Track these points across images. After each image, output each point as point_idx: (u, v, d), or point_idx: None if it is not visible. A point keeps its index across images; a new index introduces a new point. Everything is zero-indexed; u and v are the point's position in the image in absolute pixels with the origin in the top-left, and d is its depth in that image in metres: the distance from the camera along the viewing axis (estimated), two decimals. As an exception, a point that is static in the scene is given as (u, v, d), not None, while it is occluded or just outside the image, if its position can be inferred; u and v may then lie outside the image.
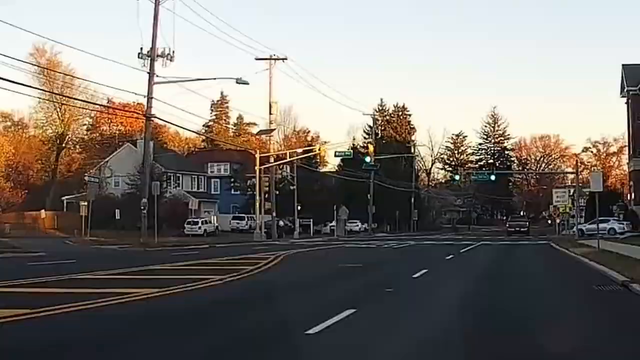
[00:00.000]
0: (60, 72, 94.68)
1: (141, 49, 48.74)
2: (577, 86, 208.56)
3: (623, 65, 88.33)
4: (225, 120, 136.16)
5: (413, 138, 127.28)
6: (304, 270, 28.93)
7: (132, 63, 48.93)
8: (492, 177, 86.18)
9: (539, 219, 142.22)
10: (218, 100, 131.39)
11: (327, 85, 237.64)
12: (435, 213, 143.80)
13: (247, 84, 51.53)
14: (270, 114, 69.44)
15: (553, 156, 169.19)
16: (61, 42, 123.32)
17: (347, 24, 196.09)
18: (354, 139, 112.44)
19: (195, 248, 49.19)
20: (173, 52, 48.96)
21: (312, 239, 72.19)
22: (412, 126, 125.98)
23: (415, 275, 22.71)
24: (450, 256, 35.90)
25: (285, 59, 68.94)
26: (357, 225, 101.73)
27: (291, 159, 72.90)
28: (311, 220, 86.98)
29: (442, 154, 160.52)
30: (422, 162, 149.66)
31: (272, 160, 72.38)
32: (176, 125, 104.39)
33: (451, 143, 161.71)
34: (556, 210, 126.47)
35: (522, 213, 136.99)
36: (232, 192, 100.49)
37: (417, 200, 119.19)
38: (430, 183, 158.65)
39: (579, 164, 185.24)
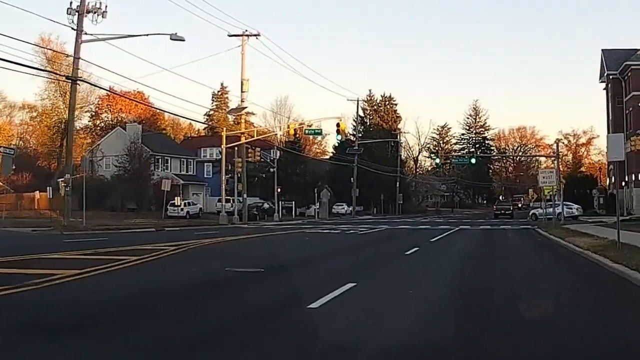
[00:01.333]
0: (65, 54, 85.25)
1: (71, 3, 36.29)
2: (552, 81, 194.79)
3: (603, 50, 75.49)
4: (224, 109, 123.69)
5: (400, 126, 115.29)
6: (139, 283, 14.15)
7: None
8: (473, 160, 73.39)
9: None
10: (219, 91, 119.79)
11: (322, 76, 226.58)
12: (421, 197, 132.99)
13: (183, 40, 38.94)
14: (242, 91, 56.87)
15: (529, 146, 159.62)
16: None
17: (355, 26, 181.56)
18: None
19: (128, 232, 37.30)
20: (106, 7, 36.33)
21: (287, 222, 60.00)
22: (398, 115, 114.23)
23: (327, 298, 10.67)
24: (414, 249, 23.08)
25: (258, 35, 56.47)
26: (344, 208, 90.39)
27: (260, 136, 59.43)
28: (293, 202, 74.56)
29: (428, 144, 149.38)
30: (410, 151, 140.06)
31: (243, 139, 59.85)
32: (170, 113, 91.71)
33: (437, 134, 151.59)
34: (531, 194, 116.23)
35: (508, 199, 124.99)
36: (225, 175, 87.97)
37: (403, 184, 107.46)
38: (417, 170, 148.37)
39: (551, 153, 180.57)
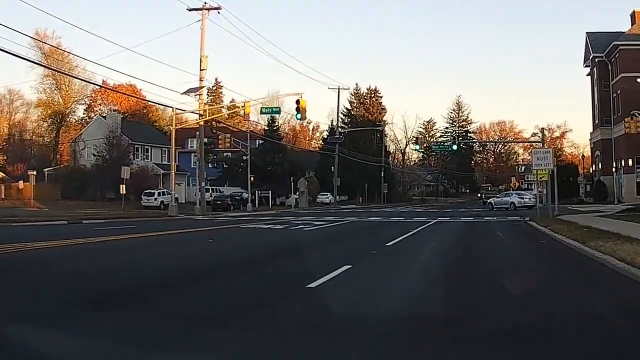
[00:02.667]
0: (61, 49, 75.23)
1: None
2: (528, 80, 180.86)
3: (587, 33, 62.61)
4: (218, 103, 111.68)
5: (385, 118, 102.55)
6: None
7: None
8: (454, 147, 60.73)
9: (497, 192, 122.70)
10: (213, 86, 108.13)
11: (314, 69, 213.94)
12: (406, 186, 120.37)
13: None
14: (200, 69, 44.43)
15: (508, 139, 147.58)
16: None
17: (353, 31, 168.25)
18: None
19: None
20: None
21: (258, 213, 48.34)
22: (383, 107, 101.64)
23: None
24: (337, 272, 10.81)
25: (219, 8, 44.05)
26: (328, 198, 78.15)
27: (214, 116, 46.34)
28: (270, 192, 62.11)
29: (415, 137, 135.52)
30: (398, 143, 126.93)
31: (202, 123, 47.59)
32: (159, 104, 79.33)
33: (423, 128, 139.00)
34: (513, 183, 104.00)
35: (494, 188, 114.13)
36: (210, 165, 75.41)
37: (388, 174, 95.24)
38: (404, 162, 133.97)
39: (528, 146, 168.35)
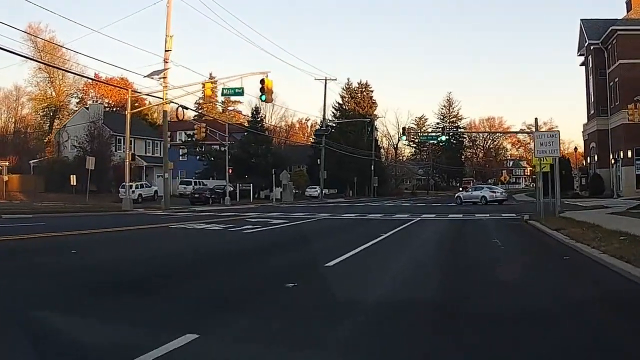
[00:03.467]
0: (53, 43, 68.76)
1: None
2: (520, 73, 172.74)
3: (582, 20, 54.90)
4: (213, 98, 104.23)
5: (376, 113, 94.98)
6: None
7: None
8: (443, 138, 52.59)
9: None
10: (208, 80, 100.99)
11: (306, 63, 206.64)
12: (398, 180, 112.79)
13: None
14: (165, 50, 37.18)
15: (497, 134, 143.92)
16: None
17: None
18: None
19: None
20: None
21: (232, 208, 41.26)
22: (373, 101, 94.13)
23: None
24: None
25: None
26: (316, 191, 70.94)
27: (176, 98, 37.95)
28: (251, 185, 54.73)
29: (403, 127, 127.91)
30: (391, 139, 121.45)
31: (166, 109, 40.44)
32: (149, 95, 72.02)
33: (415, 124, 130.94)
34: (503, 177, 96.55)
35: (489, 181, 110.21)
36: (197, 159, 67.97)
37: (379, 168, 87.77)
38: (397, 157, 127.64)
39: (516, 141, 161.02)
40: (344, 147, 76.90)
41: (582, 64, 59.03)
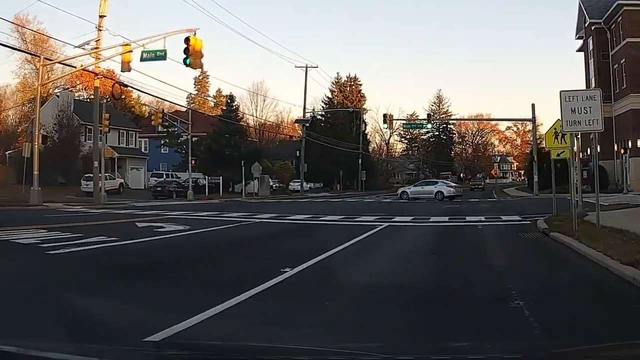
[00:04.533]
0: (40, 33, 60.21)
1: None
2: (507, 70, 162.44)
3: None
4: (204, 93, 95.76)
5: (365, 106, 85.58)
6: None
7: None
8: (429, 126, 43.38)
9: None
10: (199, 76, 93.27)
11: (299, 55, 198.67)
12: (388, 175, 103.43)
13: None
14: (99, 16, 28.22)
15: (485, 131, 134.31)
16: None
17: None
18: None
19: None
20: None
21: (183, 204, 32.33)
22: (362, 94, 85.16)
23: None
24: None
25: None
26: (299, 185, 62.21)
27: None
28: (220, 178, 45.57)
29: (398, 128, 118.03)
30: (383, 135, 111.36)
31: (97, 84, 31.57)
32: (134, 88, 63.06)
33: (407, 121, 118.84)
34: (494, 171, 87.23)
35: (479, 176, 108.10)
36: (175, 151, 58.86)
37: (367, 161, 78.39)
38: (389, 152, 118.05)
39: (503, 138, 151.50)
40: (331, 140, 68.14)
41: (579, 50, 49.81)
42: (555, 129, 16.79)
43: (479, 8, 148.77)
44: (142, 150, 63.02)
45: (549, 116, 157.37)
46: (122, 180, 48.11)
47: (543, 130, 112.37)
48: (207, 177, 45.96)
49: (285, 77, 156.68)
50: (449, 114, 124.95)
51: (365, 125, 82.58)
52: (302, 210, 23.59)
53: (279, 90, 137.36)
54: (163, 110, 40.30)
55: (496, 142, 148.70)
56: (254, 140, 65.65)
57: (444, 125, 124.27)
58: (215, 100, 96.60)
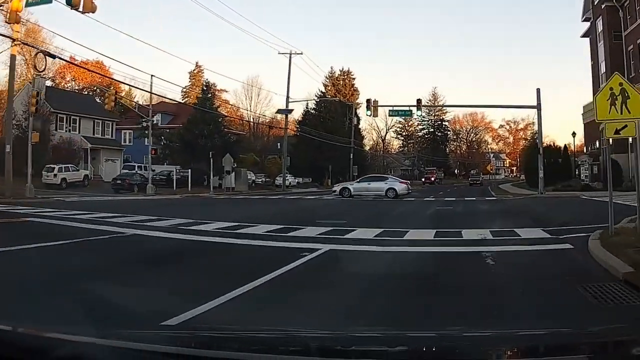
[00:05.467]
0: (31, 23, 52.34)
1: None
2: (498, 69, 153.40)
3: (591, -24, 37.75)
4: (198, 86, 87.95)
5: (358, 101, 77.44)
6: None
7: None
8: (418, 112, 34.33)
9: (469, 176, 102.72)
10: (194, 69, 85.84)
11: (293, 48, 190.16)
12: (381, 170, 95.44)
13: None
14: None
15: (480, 128, 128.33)
16: None
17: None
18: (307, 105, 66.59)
19: None
20: None
21: (118, 200, 24.58)
22: (355, 88, 77.62)
23: None
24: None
25: None
26: (287, 180, 54.79)
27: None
28: (189, 171, 38.05)
29: (395, 125, 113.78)
30: (379, 132, 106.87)
31: (14, 52, 24.51)
32: (122, 82, 55.89)
33: (403, 118, 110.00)
34: (490, 166, 79.90)
35: (473, 172, 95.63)
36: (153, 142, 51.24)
37: (360, 156, 70.86)
38: (385, 148, 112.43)
39: (496, 136, 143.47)
40: (323, 134, 60.84)
41: (585, 35, 42.02)
42: (611, 88, 9.23)
43: (474, 7, 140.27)
44: (126, 142, 55.86)
45: (548, 116, 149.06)
46: (87, 172, 40.80)
47: (547, 123, 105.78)
48: (179, 169, 38.64)
49: (282, 74, 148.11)
50: (444, 110, 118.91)
51: (359, 119, 75.06)
52: (240, 214, 16.20)
53: (275, 86, 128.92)
54: (116, 92, 32.96)
55: (489, 140, 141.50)
56: (236, 132, 58.14)
57: (439, 122, 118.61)
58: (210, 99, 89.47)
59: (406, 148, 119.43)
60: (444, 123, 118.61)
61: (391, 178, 31.04)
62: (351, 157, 65.00)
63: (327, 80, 75.79)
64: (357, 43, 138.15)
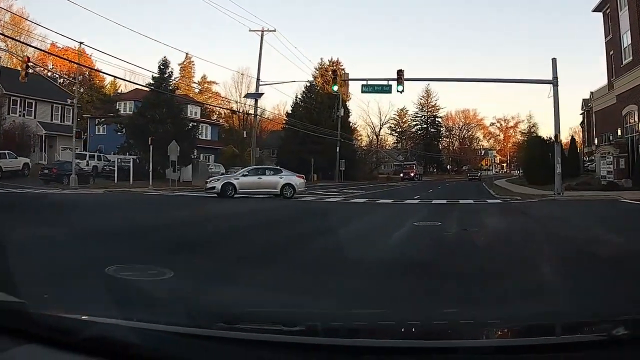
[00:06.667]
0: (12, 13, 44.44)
1: None
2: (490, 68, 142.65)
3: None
4: (189, 78, 79.57)
5: (350, 92, 68.60)
6: None
7: None
8: (399, 88, 25.29)
9: (461, 172, 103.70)
10: (184, 61, 77.59)
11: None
12: (373, 165, 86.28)
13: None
14: None
15: (472, 125, 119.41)
16: None
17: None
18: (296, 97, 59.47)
19: None
20: None
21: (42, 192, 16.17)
22: (344, 79, 67.54)
23: None
24: None
25: None
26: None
27: None
28: (132, 161, 29.52)
29: (389, 121, 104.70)
30: (374, 128, 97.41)
31: None
32: (100, 72, 47.33)
33: (397, 115, 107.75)
34: (485, 161, 72.26)
35: (474, 169, 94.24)
36: (114, 130, 42.57)
37: (349, 150, 61.84)
38: (379, 144, 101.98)
39: (487, 133, 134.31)
40: (309, 127, 52.51)
41: (596, 9, 33.04)
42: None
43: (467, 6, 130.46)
44: (100, 131, 47.41)
45: (542, 113, 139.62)
46: (28, 161, 32.29)
47: (522, 125, 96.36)
48: (117, 159, 30.15)
49: (279, 70, 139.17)
50: (437, 107, 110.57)
51: (348, 111, 66.23)
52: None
53: (264, 77, 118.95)
54: (28, 58, 24.64)
55: (481, 136, 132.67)
56: (216, 122, 49.59)
57: (432, 118, 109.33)
58: (200, 87, 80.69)
59: (400, 144, 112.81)
60: (437, 119, 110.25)
61: (285, 171, 22.05)
62: (337, 150, 56.41)
63: (317, 72, 66.99)
64: (353, 36, 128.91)
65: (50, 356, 1.38)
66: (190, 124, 35.79)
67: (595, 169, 33.21)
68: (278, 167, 24.21)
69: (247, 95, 38.73)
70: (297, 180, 21.10)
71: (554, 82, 20.70)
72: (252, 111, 39.55)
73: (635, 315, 1.84)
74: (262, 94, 35.65)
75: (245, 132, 69.08)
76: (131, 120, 34.09)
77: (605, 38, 32.14)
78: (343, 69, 67.61)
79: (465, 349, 1.43)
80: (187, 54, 75.87)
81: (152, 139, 26.18)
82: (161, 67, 33.79)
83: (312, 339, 1.53)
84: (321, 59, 69.32)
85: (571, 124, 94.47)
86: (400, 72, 20.75)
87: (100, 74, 55.59)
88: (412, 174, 69.50)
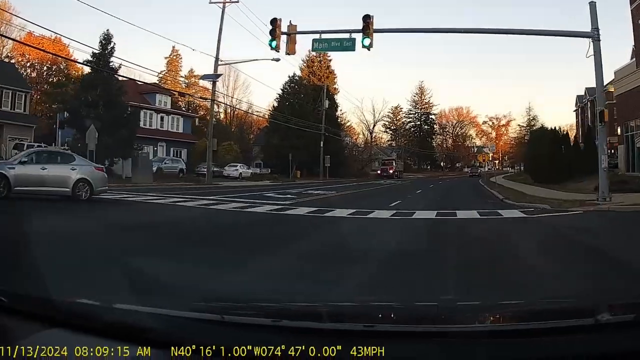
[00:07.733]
0: None
1: None
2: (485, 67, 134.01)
3: None
4: (174, 71, 71.90)
5: (335, 85, 60.96)
6: None
7: None
8: (365, 42, 16.35)
9: (454, 168, 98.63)
10: (171, 54, 69.93)
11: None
12: (364, 162, 78.44)
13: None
14: None
15: (465, 122, 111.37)
16: None
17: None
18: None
19: None
20: None
21: None
22: (331, 71, 60.87)
23: None
24: None
25: None
26: (237, 170, 39.00)
27: None
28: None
29: (383, 118, 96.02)
30: (367, 125, 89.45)
31: None
32: (75, 62, 40.16)
33: (391, 113, 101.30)
34: (481, 157, 64.92)
35: (476, 164, 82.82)
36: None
37: (336, 146, 54.08)
38: (373, 141, 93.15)
39: (479, 131, 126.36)
40: (292, 120, 44.97)
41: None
42: None
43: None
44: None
45: (542, 105, 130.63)
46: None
47: (514, 123, 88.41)
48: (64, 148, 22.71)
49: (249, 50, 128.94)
50: (431, 104, 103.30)
51: (336, 105, 58.40)
52: None
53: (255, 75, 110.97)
54: None
55: (474, 134, 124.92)
56: (191, 114, 42.02)
57: (425, 115, 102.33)
58: (187, 81, 73.13)
59: (394, 142, 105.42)
60: (430, 116, 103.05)
61: (80, 159, 14.02)
62: (322, 144, 48.68)
63: (304, 64, 59.37)
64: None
65: (73, 339, 1.39)
66: (130, 110, 27.92)
67: (618, 165, 25.71)
68: (70, 153, 16.09)
69: (204, 77, 31.00)
70: (95, 174, 13.35)
71: (594, 34, 13.00)
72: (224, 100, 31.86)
73: (619, 301, 1.94)
74: (220, 74, 28.06)
75: (227, 124, 61.90)
76: (65, 105, 26.53)
77: (631, 5, 24.37)
78: (330, 60, 60.28)
79: (459, 332, 1.41)
80: (173, 47, 68.55)
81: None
82: (102, 41, 26.05)
83: (298, 322, 1.52)
84: (308, 52, 61.52)
85: (563, 122, 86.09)
86: (367, 19, 12.94)
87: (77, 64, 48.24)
88: (390, 171, 58.41)
